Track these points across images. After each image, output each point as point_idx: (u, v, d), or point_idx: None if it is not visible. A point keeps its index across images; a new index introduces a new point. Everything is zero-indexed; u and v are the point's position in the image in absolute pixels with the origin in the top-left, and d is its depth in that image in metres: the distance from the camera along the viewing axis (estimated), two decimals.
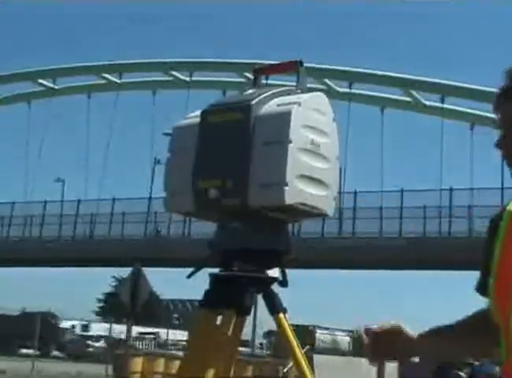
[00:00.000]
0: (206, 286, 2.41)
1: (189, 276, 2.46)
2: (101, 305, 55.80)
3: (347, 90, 32.44)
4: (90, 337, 39.26)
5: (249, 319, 2.68)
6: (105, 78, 36.99)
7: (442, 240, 28.06)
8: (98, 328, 40.25)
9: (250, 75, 2.61)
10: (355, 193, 30.89)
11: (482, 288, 1.57)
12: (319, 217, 2.47)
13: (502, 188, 29.82)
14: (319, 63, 30.85)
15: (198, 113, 2.42)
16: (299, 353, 2.44)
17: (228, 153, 2.36)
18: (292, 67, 2.51)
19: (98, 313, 53.81)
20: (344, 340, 40.05)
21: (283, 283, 2.41)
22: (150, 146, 37.21)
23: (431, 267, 30.55)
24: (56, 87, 37.97)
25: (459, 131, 37.93)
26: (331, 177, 2.33)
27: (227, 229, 2.38)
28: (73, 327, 40.76)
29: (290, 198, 2.12)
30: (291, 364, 12.37)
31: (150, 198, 33.16)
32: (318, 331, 38.66)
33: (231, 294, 2.37)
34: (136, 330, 38.55)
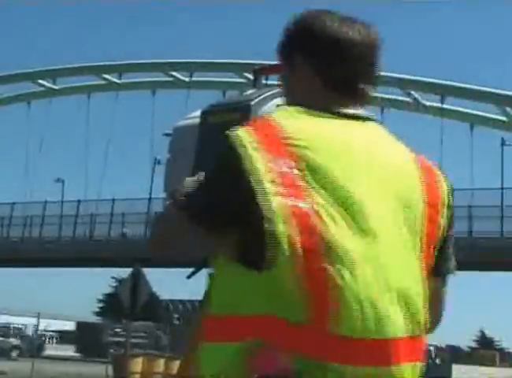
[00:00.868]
0: (206, 286, 2.41)
1: (189, 277, 2.46)
2: (101, 305, 55.87)
3: None
4: None
5: None
6: (105, 78, 37.04)
7: None
8: None
9: (250, 76, 2.61)
10: None
11: None
12: None
13: (502, 188, 29.88)
14: None
15: (198, 113, 2.42)
16: None
17: None
18: None
19: (97, 314, 53.87)
20: (436, 351, 40.82)
21: None
22: (150, 146, 37.32)
23: None
24: (56, 87, 38.02)
25: (459, 131, 38.01)
26: None
27: None
28: None
29: None
30: None
31: (149, 199, 33.18)
32: None
33: None
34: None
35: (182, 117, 2.60)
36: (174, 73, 35.82)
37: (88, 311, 61.03)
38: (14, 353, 33.10)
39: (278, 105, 2.32)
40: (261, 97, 2.33)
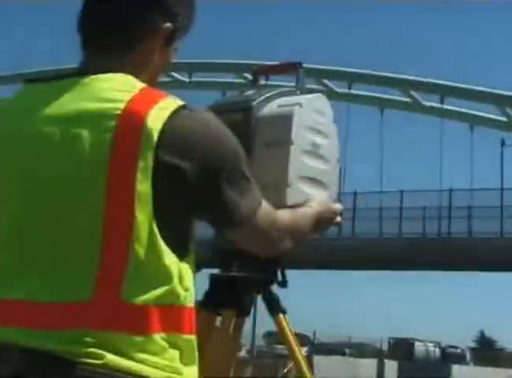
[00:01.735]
0: (206, 287, 2.42)
1: None
2: None
3: (347, 90, 32.45)
4: None
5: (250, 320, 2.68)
6: None
7: (441, 241, 28.08)
8: None
9: (250, 76, 2.60)
10: (355, 194, 30.91)
11: None
12: None
13: (502, 189, 29.86)
14: (319, 63, 30.90)
15: None
16: (299, 353, 2.44)
17: None
18: (292, 68, 2.50)
19: None
20: (436, 351, 40.86)
21: (283, 283, 2.41)
22: None
23: (430, 268, 30.56)
24: None
25: (459, 131, 38.01)
26: (331, 179, 2.33)
27: None
28: None
29: (291, 200, 2.12)
30: (290, 364, 12.39)
31: None
32: (417, 342, 39.39)
33: (231, 295, 2.37)
34: None
35: None
36: (174, 73, 35.79)
37: None
38: None
39: (279, 105, 2.33)
40: (263, 97, 2.34)
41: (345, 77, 32.46)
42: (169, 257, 1.33)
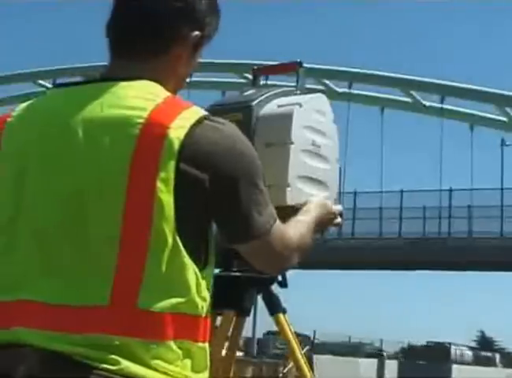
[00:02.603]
0: None
1: None
2: None
3: (347, 90, 32.45)
4: None
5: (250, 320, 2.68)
6: None
7: (442, 241, 28.08)
8: None
9: (250, 76, 2.60)
10: (355, 193, 30.91)
11: None
12: None
13: (502, 188, 29.86)
14: (319, 63, 30.89)
15: None
16: (299, 353, 2.44)
17: None
18: (292, 68, 2.50)
19: None
20: (469, 354, 41.26)
21: (283, 283, 2.41)
22: None
23: (431, 267, 30.56)
24: None
25: (459, 131, 38.00)
26: (331, 178, 2.33)
27: None
28: None
29: (291, 199, 2.12)
30: (290, 364, 12.38)
31: None
32: (453, 346, 39.72)
33: (231, 295, 2.37)
34: None
35: None
36: None
37: None
38: None
39: (279, 105, 2.33)
40: (263, 97, 2.34)
41: (345, 77, 32.45)
42: (189, 267, 1.34)
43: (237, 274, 2.35)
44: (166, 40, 1.49)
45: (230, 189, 1.37)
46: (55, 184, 1.36)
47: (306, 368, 2.42)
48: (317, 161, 2.27)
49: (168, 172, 1.30)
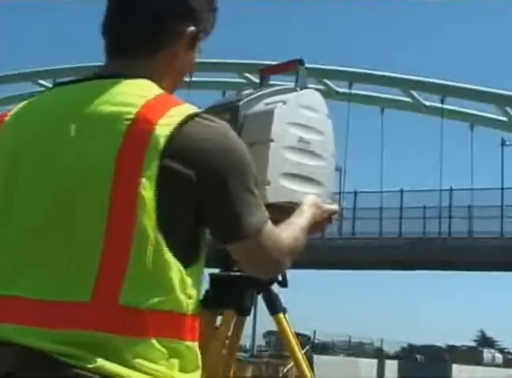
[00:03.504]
0: (206, 286, 2.42)
1: None
2: None
3: (347, 90, 32.43)
4: None
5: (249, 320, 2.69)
6: None
7: (442, 241, 28.07)
8: None
9: (250, 76, 2.60)
10: (355, 193, 30.91)
11: None
12: None
13: (502, 188, 29.85)
14: (319, 63, 30.88)
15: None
16: (299, 353, 2.44)
17: None
18: (293, 66, 2.50)
19: None
20: (500, 357, 41.63)
21: (283, 283, 2.41)
22: None
23: (431, 267, 30.55)
24: None
25: (459, 131, 37.98)
26: (324, 175, 2.31)
27: None
28: None
29: (273, 197, 2.11)
30: (291, 364, 12.38)
31: None
32: (485, 350, 40.03)
33: (231, 295, 2.37)
34: None
35: None
36: None
37: None
38: None
39: (266, 104, 2.33)
40: (252, 96, 2.34)
41: (346, 77, 32.42)
42: (172, 265, 1.32)
43: (237, 274, 2.35)
44: (161, 38, 1.49)
45: (219, 186, 1.35)
46: (44, 181, 1.36)
47: (306, 368, 2.42)
48: (305, 157, 2.25)
49: (153, 168, 1.29)
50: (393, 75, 31.55)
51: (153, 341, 1.30)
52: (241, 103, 2.27)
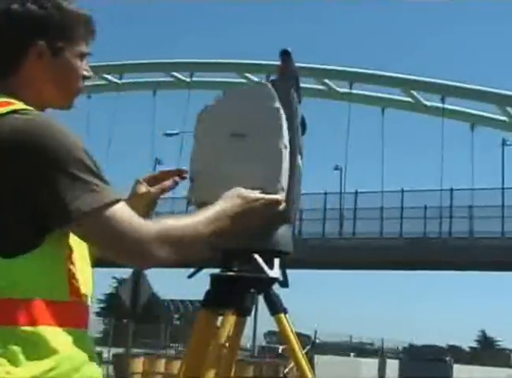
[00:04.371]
0: (207, 286, 2.42)
1: (190, 276, 2.46)
2: (101, 305, 55.84)
3: (348, 90, 32.45)
4: None
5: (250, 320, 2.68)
6: (105, 78, 36.99)
7: (442, 240, 28.09)
8: None
9: (250, 76, 2.60)
10: (356, 193, 30.95)
11: None
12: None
13: (503, 188, 29.87)
14: (320, 63, 30.92)
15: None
16: (300, 353, 2.44)
17: None
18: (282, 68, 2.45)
19: (98, 314, 53.86)
20: None
21: (284, 283, 2.41)
22: (150, 147, 37.20)
23: (432, 267, 30.57)
24: None
25: (459, 131, 38.00)
26: (262, 166, 2.22)
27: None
28: None
29: (197, 197, 2.24)
30: (291, 364, 12.38)
31: None
32: None
33: (232, 295, 2.37)
34: None
35: (182, 118, 2.62)
36: (174, 73, 35.80)
37: None
38: None
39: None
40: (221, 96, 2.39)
41: (346, 77, 32.45)
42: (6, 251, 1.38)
43: (238, 274, 2.35)
44: (11, 58, 1.52)
45: (40, 171, 1.39)
46: None
47: (306, 368, 2.42)
48: (239, 152, 2.23)
49: None
50: (394, 75, 31.59)
51: None
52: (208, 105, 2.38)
